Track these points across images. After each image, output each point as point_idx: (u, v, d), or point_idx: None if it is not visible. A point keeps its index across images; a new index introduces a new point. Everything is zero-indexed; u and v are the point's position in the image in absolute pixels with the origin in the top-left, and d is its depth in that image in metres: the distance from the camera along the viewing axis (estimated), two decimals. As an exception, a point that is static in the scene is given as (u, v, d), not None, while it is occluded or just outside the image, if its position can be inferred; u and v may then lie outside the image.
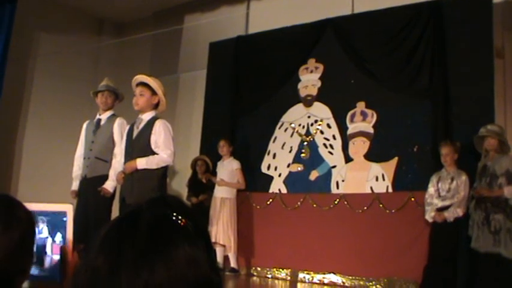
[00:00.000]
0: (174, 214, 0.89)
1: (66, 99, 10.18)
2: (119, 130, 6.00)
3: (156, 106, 5.34)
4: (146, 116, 5.29)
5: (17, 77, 9.77)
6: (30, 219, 1.49)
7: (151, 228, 0.86)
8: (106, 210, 5.84)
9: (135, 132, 5.32)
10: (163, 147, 5.17)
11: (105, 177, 5.91)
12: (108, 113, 6.24)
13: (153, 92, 5.27)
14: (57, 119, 10.07)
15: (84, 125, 6.41)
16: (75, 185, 6.24)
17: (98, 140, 6.11)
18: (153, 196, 0.96)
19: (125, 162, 5.38)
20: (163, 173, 5.28)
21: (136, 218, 0.88)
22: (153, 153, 5.18)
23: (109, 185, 5.86)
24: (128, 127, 5.57)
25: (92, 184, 5.94)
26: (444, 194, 6.30)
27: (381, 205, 7.17)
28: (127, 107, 5.68)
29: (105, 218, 5.68)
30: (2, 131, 9.59)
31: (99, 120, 6.22)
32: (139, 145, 5.25)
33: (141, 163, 5.14)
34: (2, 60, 9.12)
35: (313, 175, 7.91)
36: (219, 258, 7.76)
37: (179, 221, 0.89)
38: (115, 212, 6.00)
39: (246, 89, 8.79)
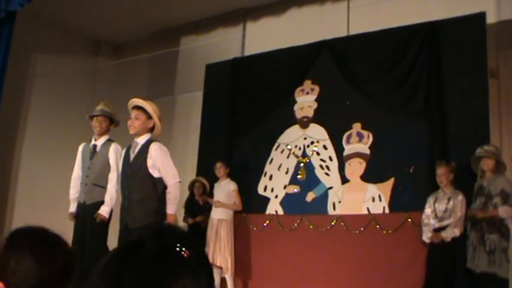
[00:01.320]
0: (178, 245, 0.89)
1: (63, 120, 10.19)
2: (114, 156, 6.00)
3: (151, 130, 5.35)
4: (141, 140, 5.32)
5: (14, 98, 9.77)
6: (68, 252, 1.51)
7: (155, 260, 0.86)
8: (102, 237, 5.83)
9: (132, 157, 5.34)
10: (165, 174, 5.22)
11: (102, 203, 5.90)
12: (103, 139, 6.20)
13: (149, 116, 5.29)
14: (54, 140, 10.06)
15: (80, 148, 6.38)
16: (72, 207, 6.22)
17: (94, 166, 6.10)
18: (154, 222, 0.96)
19: (122, 186, 5.42)
20: (162, 195, 5.28)
21: (139, 249, 0.88)
22: (151, 176, 5.20)
23: (104, 211, 5.85)
24: (124, 151, 5.59)
25: (89, 211, 5.94)
26: (441, 214, 6.29)
27: (377, 226, 7.16)
28: (122, 132, 5.69)
29: (101, 244, 5.68)
30: (-1, 150, 9.59)
31: (95, 146, 6.20)
32: (136, 169, 5.27)
33: (172, 208, 5.24)
34: (-1, 81, 9.13)
35: (310, 196, 7.90)
36: (216, 281, 7.72)
37: (183, 253, 0.89)
38: (111, 238, 5.98)
39: (243, 111, 8.80)
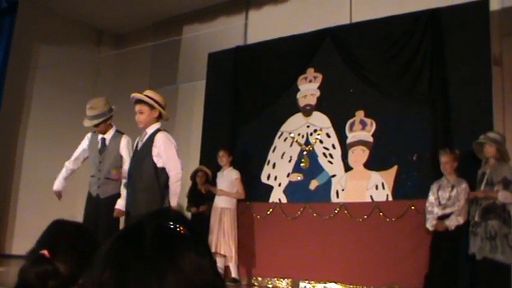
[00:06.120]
0: (172, 223, 0.90)
1: (66, 110, 10.20)
2: (127, 149, 6.00)
3: (159, 118, 5.37)
4: (150, 129, 5.33)
5: (17, 88, 9.80)
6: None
7: (156, 239, 0.87)
8: (115, 229, 5.81)
9: (140, 145, 5.37)
10: (167, 165, 5.22)
11: (117, 196, 5.88)
12: (111, 132, 6.17)
13: (152, 107, 5.30)
14: (56, 130, 10.09)
15: (89, 135, 6.34)
16: (57, 185, 6.15)
17: (105, 160, 6.09)
18: (155, 208, 0.97)
19: (129, 172, 5.42)
20: (165, 183, 5.29)
21: (139, 231, 0.89)
22: (155, 165, 5.20)
23: (121, 205, 5.80)
24: (136, 141, 5.61)
25: (104, 204, 5.93)
26: (444, 202, 6.30)
27: (381, 214, 7.17)
28: (129, 120, 5.68)
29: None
30: (2, 140, 9.61)
31: (104, 139, 6.18)
32: (142, 157, 5.29)
33: (173, 201, 5.25)
34: (1, 71, 9.14)
35: (313, 184, 7.91)
36: (220, 269, 7.75)
37: (178, 229, 0.90)
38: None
39: (245, 99, 8.80)
